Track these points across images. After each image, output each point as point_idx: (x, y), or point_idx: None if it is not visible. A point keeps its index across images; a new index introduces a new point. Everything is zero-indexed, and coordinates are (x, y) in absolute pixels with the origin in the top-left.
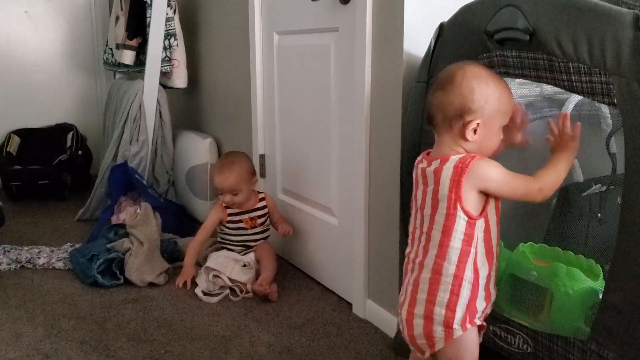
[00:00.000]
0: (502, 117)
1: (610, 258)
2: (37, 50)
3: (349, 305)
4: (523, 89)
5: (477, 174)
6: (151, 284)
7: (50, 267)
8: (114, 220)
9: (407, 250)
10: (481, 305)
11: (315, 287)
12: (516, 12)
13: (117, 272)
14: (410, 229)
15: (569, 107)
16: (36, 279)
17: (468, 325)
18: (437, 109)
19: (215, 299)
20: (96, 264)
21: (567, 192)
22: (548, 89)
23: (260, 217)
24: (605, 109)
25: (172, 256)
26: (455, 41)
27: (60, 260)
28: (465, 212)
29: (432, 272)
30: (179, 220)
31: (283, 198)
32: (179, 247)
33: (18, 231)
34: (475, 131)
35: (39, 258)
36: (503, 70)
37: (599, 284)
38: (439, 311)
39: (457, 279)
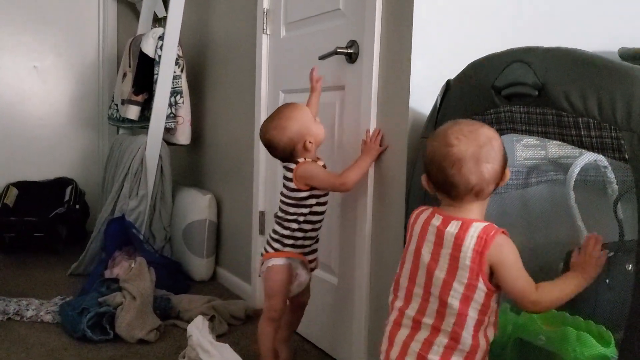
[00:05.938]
0: None
1: (623, 326)
2: (43, 104)
3: None
4: (528, 152)
5: (498, 251)
6: (141, 341)
7: (39, 319)
8: (108, 274)
9: (398, 304)
10: None
11: (312, 350)
12: (525, 68)
13: (107, 327)
14: (404, 283)
15: (574, 171)
16: (22, 332)
17: None
18: (483, 180)
19: None
20: (86, 318)
21: None
22: (553, 152)
23: None
24: (610, 175)
25: (165, 313)
26: (462, 97)
27: (49, 313)
28: (486, 285)
29: (449, 338)
30: (173, 276)
31: None
32: (172, 304)
33: (8, 282)
34: None
35: (27, 310)
36: (510, 126)
37: (611, 351)
38: None
39: (474, 347)
